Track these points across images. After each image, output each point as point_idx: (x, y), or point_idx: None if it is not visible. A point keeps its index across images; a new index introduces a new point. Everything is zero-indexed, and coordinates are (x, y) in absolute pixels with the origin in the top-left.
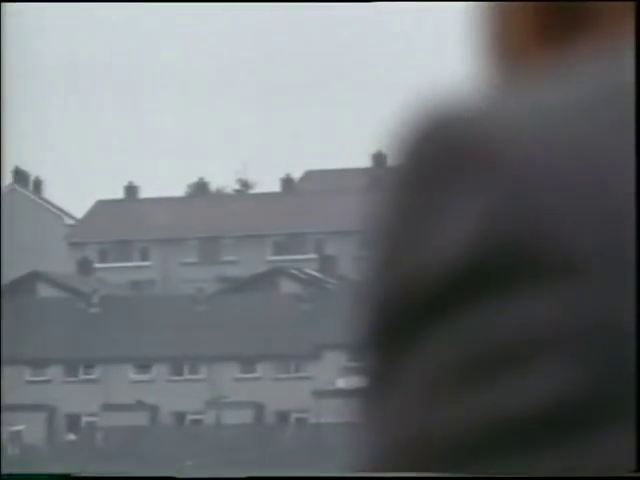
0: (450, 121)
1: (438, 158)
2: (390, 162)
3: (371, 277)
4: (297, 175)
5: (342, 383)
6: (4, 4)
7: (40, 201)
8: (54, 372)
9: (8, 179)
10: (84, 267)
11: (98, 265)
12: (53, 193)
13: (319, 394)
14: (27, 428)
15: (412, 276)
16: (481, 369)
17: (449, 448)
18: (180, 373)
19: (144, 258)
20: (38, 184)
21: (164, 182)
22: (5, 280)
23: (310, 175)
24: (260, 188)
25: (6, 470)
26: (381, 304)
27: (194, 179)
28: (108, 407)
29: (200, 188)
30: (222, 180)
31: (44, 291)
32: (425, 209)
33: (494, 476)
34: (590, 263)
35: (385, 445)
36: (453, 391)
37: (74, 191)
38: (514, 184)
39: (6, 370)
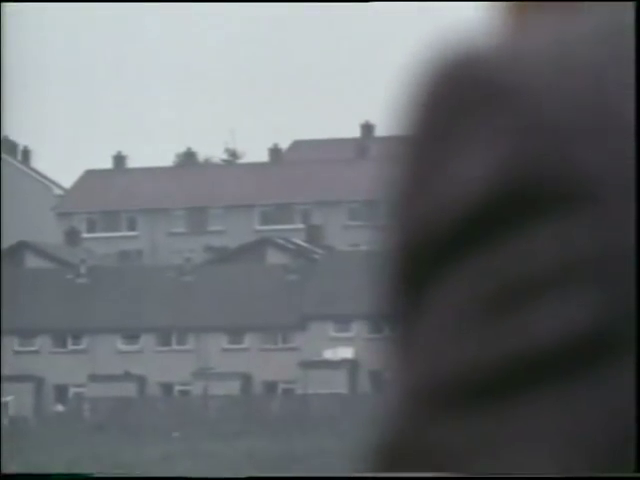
0: (468, 58)
1: (458, 94)
2: (383, 128)
3: (393, 215)
4: (285, 145)
5: (329, 354)
6: (4, 4)
7: (28, 171)
8: (42, 343)
9: None
10: (72, 237)
11: (86, 235)
12: (41, 163)
13: (306, 365)
14: (15, 399)
15: (434, 212)
16: (507, 302)
17: (472, 384)
18: (167, 344)
19: (132, 228)
20: (26, 154)
21: (152, 152)
22: None
23: (298, 145)
24: (248, 158)
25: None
26: (405, 240)
27: (182, 149)
28: (96, 378)
29: (188, 158)
30: (210, 150)
31: (32, 261)
32: (447, 143)
33: (494, 476)
34: (610, 194)
35: (413, 384)
36: (478, 326)
37: (62, 161)
38: (534, 118)
39: None
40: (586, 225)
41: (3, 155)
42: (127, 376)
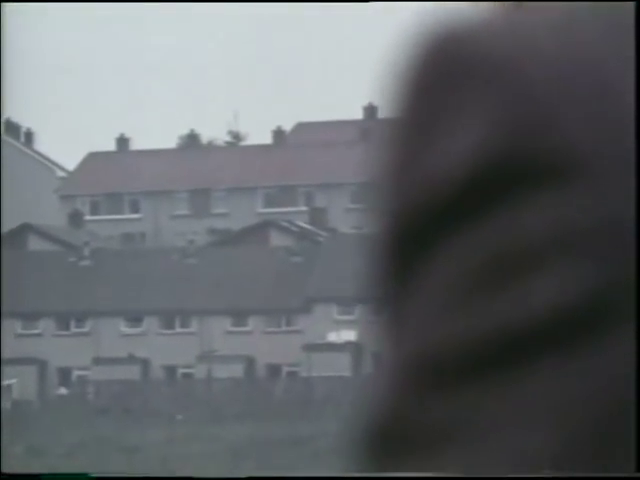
0: (455, 33)
1: (444, 70)
2: (384, 111)
3: (381, 195)
4: (288, 127)
5: (333, 336)
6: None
7: (31, 153)
8: (45, 325)
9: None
10: (75, 220)
11: (89, 217)
12: (44, 145)
13: (310, 348)
14: (18, 382)
15: (422, 189)
16: (497, 276)
17: (463, 359)
18: (171, 326)
19: (135, 210)
20: (29, 136)
21: (155, 134)
22: None
23: (301, 127)
24: (251, 140)
25: (5, 469)
26: (394, 218)
27: (185, 131)
28: (99, 361)
29: (191, 140)
30: (213, 132)
31: (35, 244)
32: (433, 120)
33: (494, 476)
34: (601, 165)
35: (403, 361)
36: (469, 301)
37: (65, 143)
38: (521, 90)
39: None
40: (576, 197)
41: (6, 137)
42: (131, 359)
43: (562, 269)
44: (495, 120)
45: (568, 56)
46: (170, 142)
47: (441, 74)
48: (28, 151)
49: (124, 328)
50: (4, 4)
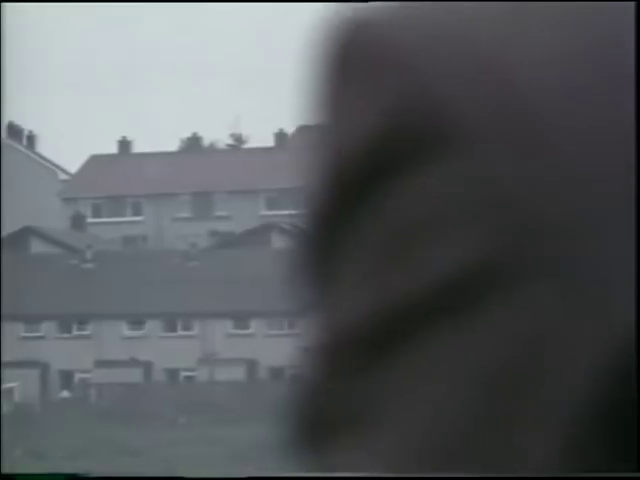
0: (358, 24)
1: (344, 56)
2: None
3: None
4: (291, 130)
5: None
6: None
7: (34, 156)
8: (48, 328)
9: (1, 134)
10: (77, 222)
11: (91, 220)
12: (47, 148)
13: None
14: (20, 385)
15: (330, 163)
16: (394, 250)
17: (366, 335)
18: (173, 329)
19: (137, 213)
20: (32, 139)
21: (158, 137)
22: None
23: (304, 130)
24: (253, 143)
25: (5, 470)
26: (308, 205)
27: (187, 134)
28: (101, 363)
29: (193, 143)
30: (215, 135)
31: (37, 247)
32: (336, 102)
33: (494, 476)
34: (480, 141)
35: (317, 342)
36: (371, 275)
37: (68, 146)
38: (417, 77)
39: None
40: (463, 170)
41: (8, 140)
42: (133, 362)
43: (454, 239)
44: (386, 102)
45: (467, 47)
46: (172, 145)
47: (339, 63)
48: (30, 154)
49: (126, 331)
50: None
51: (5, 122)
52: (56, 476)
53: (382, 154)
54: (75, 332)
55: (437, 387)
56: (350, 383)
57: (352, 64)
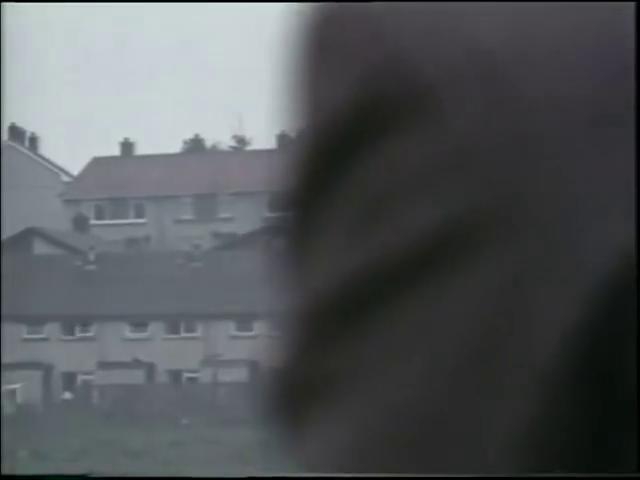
0: (327, 5)
1: (316, 33)
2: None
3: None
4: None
5: None
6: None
7: (36, 158)
8: (50, 330)
9: (4, 136)
10: (80, 224)
11: (94, 222)
12: (49, 150)
13: None
14: (23, 386)
15: (307, 131)
16: (366, 217)
17: (341, 302)
18: (176, 331)
19: (139, 215)
20: (34, 141)
21: (160, 139)
22: (1, 237)
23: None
24: (256, 145)
25: (5, 471)
26: (283, 179)
27: (190, 135)
28: (104, 365)
29: (196, 145)
30: (218, 136)
31: (40, 248)
32: (307, 76)
33: (494, 476)
34: (454, 104)
35: (298, 302)
36: (352, 235)
37: (70, 148)
38: (386, 47)
39: (2, 327)
40: (435, 134)
41: (10, 142)
42: (136, 363)
43: (427, 203)
44: (356, 73)
45: (424, 10)
46: (175, 147)
47: (313, 40)
48: (33, 156)
49: (129, 333)
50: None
51: (7, 124)
52: (58, 477)
53: (354, 124)
54: (78, 334)
55: (417, 354)
56: (326, 351)
57: (321, 40)
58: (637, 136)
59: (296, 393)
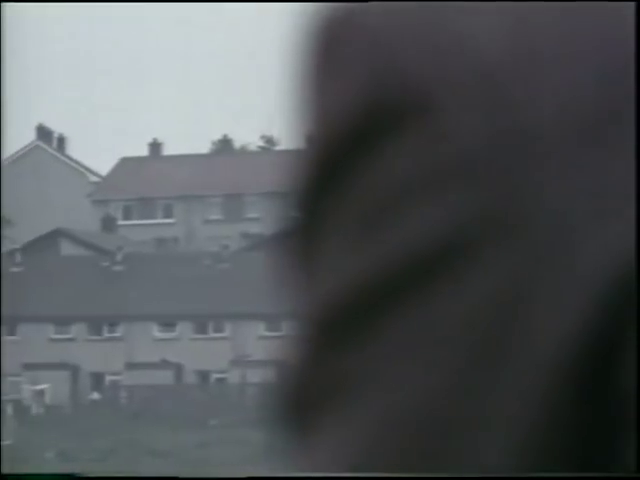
0: (332, 13)
1: (330, 40)
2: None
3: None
4: None
5: None
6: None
7: (64, 158)
8: (78, 330)
9: (32, 136)
10: (108, 224)
11: (122, 222)
12: (77, 150)
13: None
14: (51, 387)
15: (316, 138)
16: (371, 221)
17: (347, 307)
18: (204, 331)
19: (168, 215)
20: (62, 141)
21: (188, 139)
22: (29, 237)
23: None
24: (285, 145)
25: (5, 470)
26: (290, 181)
27: (218, 136)
28: (132, 366)
29: (224, 145)
30: (246, 137)
31: (68, 249)
32: (314, 83)
33: (494, 476)
34: (448, 111)
35: (307, 309)
36: (359, 240)
37: (98, 148)
38: (389, 53)
39: (30, 328)
40: (435, 140)
41: (39, 143)
42: (164, 364)
43: (433, 204)
44: (361, 79)
45: (425, 16)
46: (203, 147)
47: (326, 47)
48: (60, 156)
49: (157, 333)
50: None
51: (35, 124)
52: (52, 476)
53: (360, 129)
54: (106, 334)
55: (422, 358)
56: (335, 357)
57: (329, 44)
58: (637, 136)
59: (306, 396)
